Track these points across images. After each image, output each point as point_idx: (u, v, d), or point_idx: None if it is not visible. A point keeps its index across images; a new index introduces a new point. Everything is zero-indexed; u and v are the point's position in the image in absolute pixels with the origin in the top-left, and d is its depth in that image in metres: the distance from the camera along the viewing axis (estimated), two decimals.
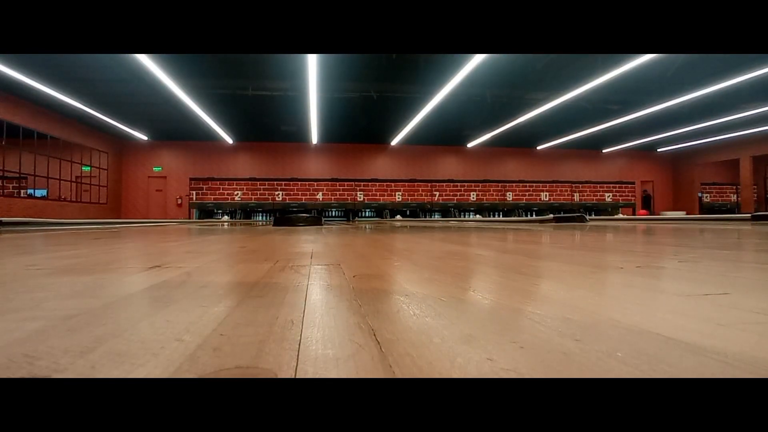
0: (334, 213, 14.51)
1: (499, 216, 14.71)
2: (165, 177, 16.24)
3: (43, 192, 12.51)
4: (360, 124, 13.72)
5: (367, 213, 14.86)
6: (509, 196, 15.21)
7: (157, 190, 16.27)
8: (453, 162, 17.62)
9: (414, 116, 12.47)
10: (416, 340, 0.42)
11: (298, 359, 0.36)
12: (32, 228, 4.64)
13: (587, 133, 14.63)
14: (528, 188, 15.46)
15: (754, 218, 5.94)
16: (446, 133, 14.97)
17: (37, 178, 11.64)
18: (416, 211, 14.68)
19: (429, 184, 14.96)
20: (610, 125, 13.49)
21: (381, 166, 17.23)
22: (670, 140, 16.33)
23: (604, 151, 18.36)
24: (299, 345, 0.40)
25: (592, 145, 16.93)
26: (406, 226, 5.10)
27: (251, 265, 1.08)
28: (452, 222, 8.19)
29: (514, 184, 15.41)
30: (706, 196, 18.02)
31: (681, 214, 15.35)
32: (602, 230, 3.26)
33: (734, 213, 16.14)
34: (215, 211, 13.79)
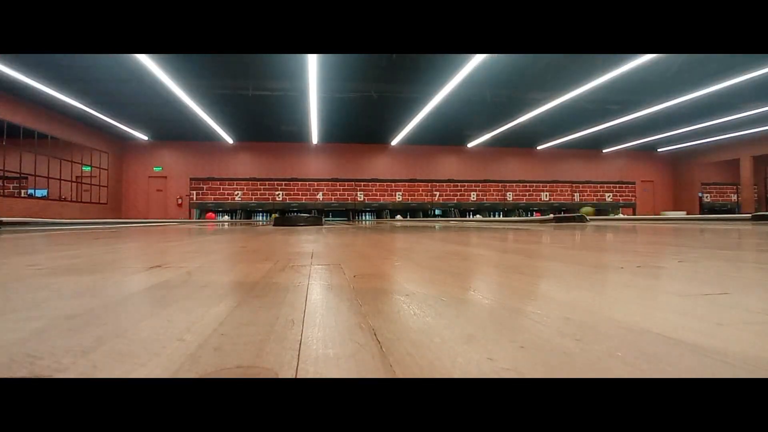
0: (334, 213, 14.51)
1: (499, 216, 14.71)
2: (165, 177, 16.24)
3: (44, 192, 12.52)
4: (360, 124, 13.73)
5: (367, 213, 14.85)
6: (509, 196, 15.20)
7: (157, 190, 16.28)
8: (453, 162, 17.62)
9: (414, 116, 12.47)
10: (417, 339, 0.42)
11: (299, 359, 0.36)
12: (33, 228, 4.64)
13: (587, 133, 14.63)
14: (528, 188, 15.45)
15: (755, 218, 5.94)
16: (446, 133, 14.97)
17: (37, 178, 11.65)
18: (416, 211, 14.67)
19: (429, 184, 14.95)
20: (610, 125, 13.49)
21: (381, 166, 17.23)
22: (670, 140, 16.33)
23: (604, 151, 18.36)
24: (300, 345, 0.40)
25: (592, 145, 16.92)
26: (406, 226, 5.11)
27: (252, 265, 1.09)
28: (452, 222, 8.19)
29: (514, 184, 15.40)
30: (707, 196, 18.01)
31: (681, 214, 15.35)
32: (602, 230, 3.27)
33: (735, 213, 16.14)
34: (216, 211, 13.78)
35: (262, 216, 14.23)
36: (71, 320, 0.50)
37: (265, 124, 13.79)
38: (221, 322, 0.49)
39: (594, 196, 15.56)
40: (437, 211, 14.81)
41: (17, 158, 10.98)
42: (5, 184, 11.66)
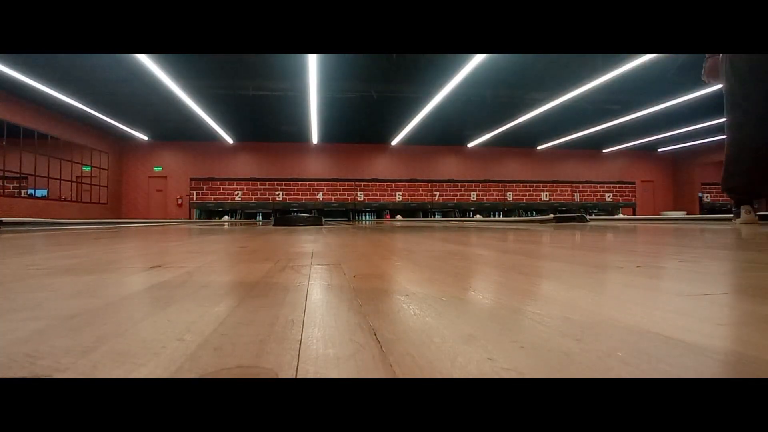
0: (334, 213, 14.50)
1: (499, 216, 14.70)
2: (165, 177, 16.24)
3: (44, 192, 12.51)
4: (360, 124, 13.73)
5: (367, 213, 14.84)
6: (509, 196, 15.19)
7: (157, 190, 16.27)
8: (453, 162, 17.63)
9: (414, 116, 12.47)
10: (417, 339, 0.42)
11: (299, 359, 0.36)
12: (32, 228, 4.64)
13: (587, 133, 14.63)
14: (528, 188, 15.44)
15: None
16: (446, 133, 14.97)
17: (37, 178, 11.64)
18: (416, 211, 14.66)
19: (429, 184, 14.94)
20: (610, 125, 13.49)
21: (381, 166, 17.24)
22: (670, 140, 16.33)
23: (604, 151, 18.36)
24: (300, 344, 0.40)
25: (592, 145, 16.93)
26: (406, 226, 5.11)
27: (252, 265, 1.09)
28: (453, 222, 8.20)
29: (514, 184, 15.39)
30: (707, 196, 18.00)
31: (681, 214, 15.35)
32: (602, 230, 3.27)
33: None
34: (216, 210, 13.77)
35: (262, 216, 14.23)
36: (71, 320, 0.50)
37: (265, 124, 13.79)
38: (221, 322, 0.49)
39: (594, 196, 15.56)
40: (437, 213, 14.80)
41: (17, 158, 10.98)
42: (5, 184, 11.66)
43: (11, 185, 12.86)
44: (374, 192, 14.51)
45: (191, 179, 13.66)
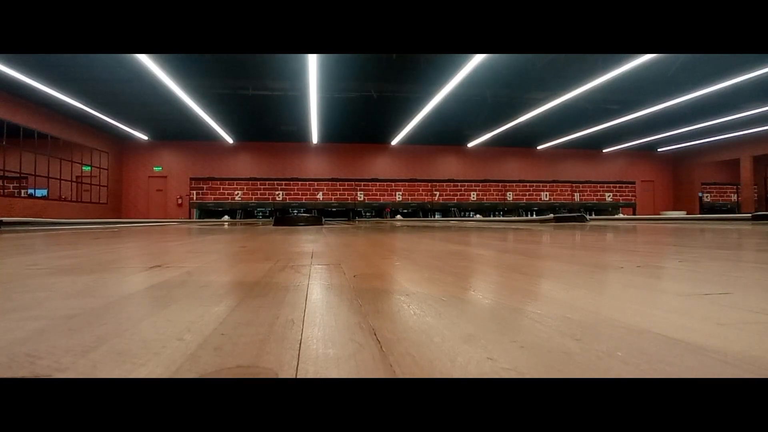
0: (334, 213, 14.51)
1: (499, 216, 14.69)
2: (165, 177, 16.23)
3: (44, 192, 12.51)
4: (360, 124, 13.72)
5: (367, 213, 14.84)
6: (509, 196, 15.18)
7: (157, 190, 16.26)
8: (453, 162, 17.62)
9: (414, 116, 12.46)
10: (417, 339, 0.42)
11: (299, 359, 0.36)
12: (32, 228, 4.64)
13: (587, 133, 14.62)
14: (528, 188, 15.42)
15: (755, 218, 5.94)
16: (446, 133, 14.96)
17: (37, 177, 11.64)
18: (416, 211, 14.66)
19: (429, 184, 14.93)
20: (610, 125, 13.48)
21: (381, 166, 17.23)
22: (670, 140, 16.32)
23: (604, 151, 18.35)
24: (300, 344, 0.40)
25: (592, 145, 16.92)
26: (406, 226, 5.10)
27: (252, 265, 1.09)
28: (453, 222, 8.19)
29: (514, 184, 15.38)
30: (707, 196, 17.98)
31: (681, 213, 15.34)
32: (602, 230, 3.27)
33: (735, 213, 16.12)
34: (216, 210, 13.78)
35: (262, 216, 14.22)
36: (71, 320, 0.50)
37: (265, 124, 13.78)
38: (221, 321, 0.49)
39: (594, 195, 15.54)
40: (437, 213, 14.80)
41: (17, 158, 10.97)
42: (5, 184, 11.65)
43: (11, 185, 12.85)
44: (374, 192, 14.50)
45: (191, 179, 13.64)
